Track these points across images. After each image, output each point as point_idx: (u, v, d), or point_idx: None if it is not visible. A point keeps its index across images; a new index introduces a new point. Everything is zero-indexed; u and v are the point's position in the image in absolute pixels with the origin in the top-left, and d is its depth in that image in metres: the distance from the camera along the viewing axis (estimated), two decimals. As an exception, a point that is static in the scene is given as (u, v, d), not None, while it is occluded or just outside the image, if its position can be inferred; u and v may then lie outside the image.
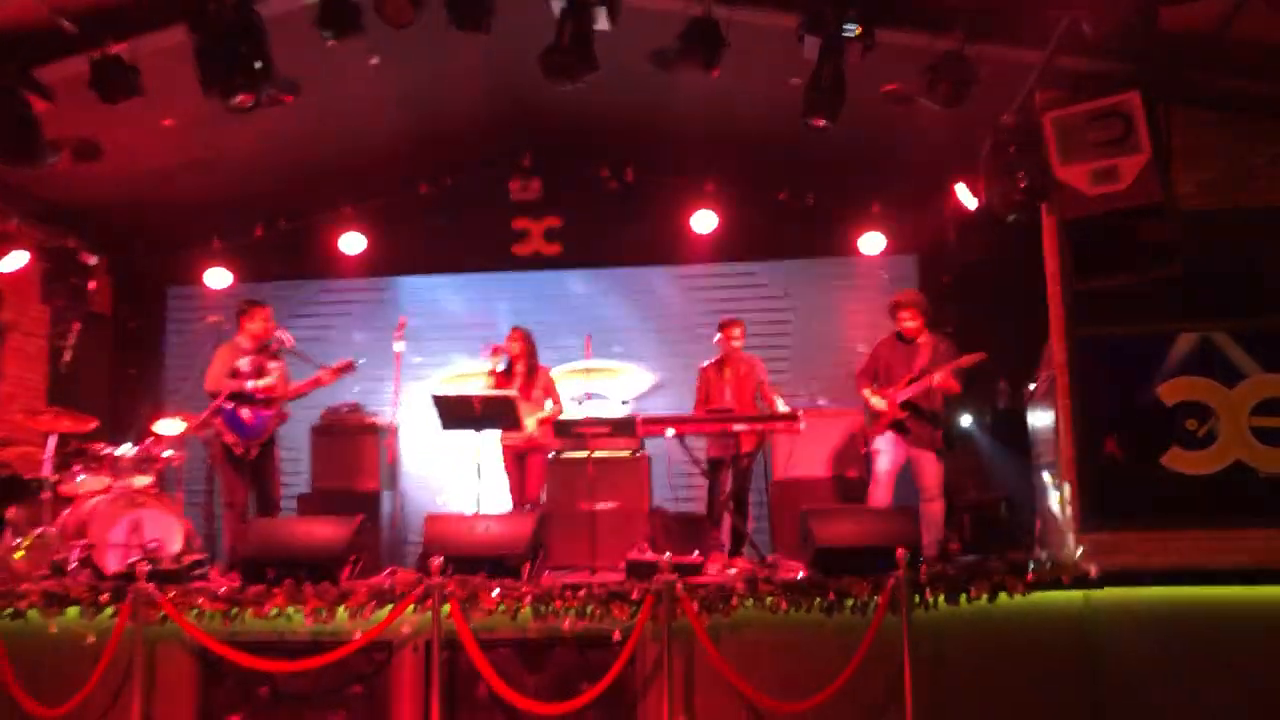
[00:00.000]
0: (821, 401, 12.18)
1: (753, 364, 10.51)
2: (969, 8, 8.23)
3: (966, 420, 11.15)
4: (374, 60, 9.88)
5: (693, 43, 8.19)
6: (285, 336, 10.32)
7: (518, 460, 10.65)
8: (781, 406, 10.13)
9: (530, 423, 10.25)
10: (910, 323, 9.95)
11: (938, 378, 9.59)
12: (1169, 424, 8.58)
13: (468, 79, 11.04)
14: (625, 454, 10.76)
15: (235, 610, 8.16)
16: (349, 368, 10.35)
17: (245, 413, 9.99)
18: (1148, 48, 8.17)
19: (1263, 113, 8.67)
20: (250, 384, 9.96)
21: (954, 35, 8.16)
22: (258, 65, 8.10)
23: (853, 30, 8.07)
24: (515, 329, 10.85)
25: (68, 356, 11.30)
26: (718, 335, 10.52)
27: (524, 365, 10.71)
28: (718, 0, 8.12)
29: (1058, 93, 8.58)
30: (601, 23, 8.16)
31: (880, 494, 9.76)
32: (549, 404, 10.65)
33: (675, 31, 8.22)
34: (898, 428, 9.79)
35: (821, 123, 8.55)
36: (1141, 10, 7.40)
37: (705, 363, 10.81)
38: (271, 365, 10.26)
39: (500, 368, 10.72)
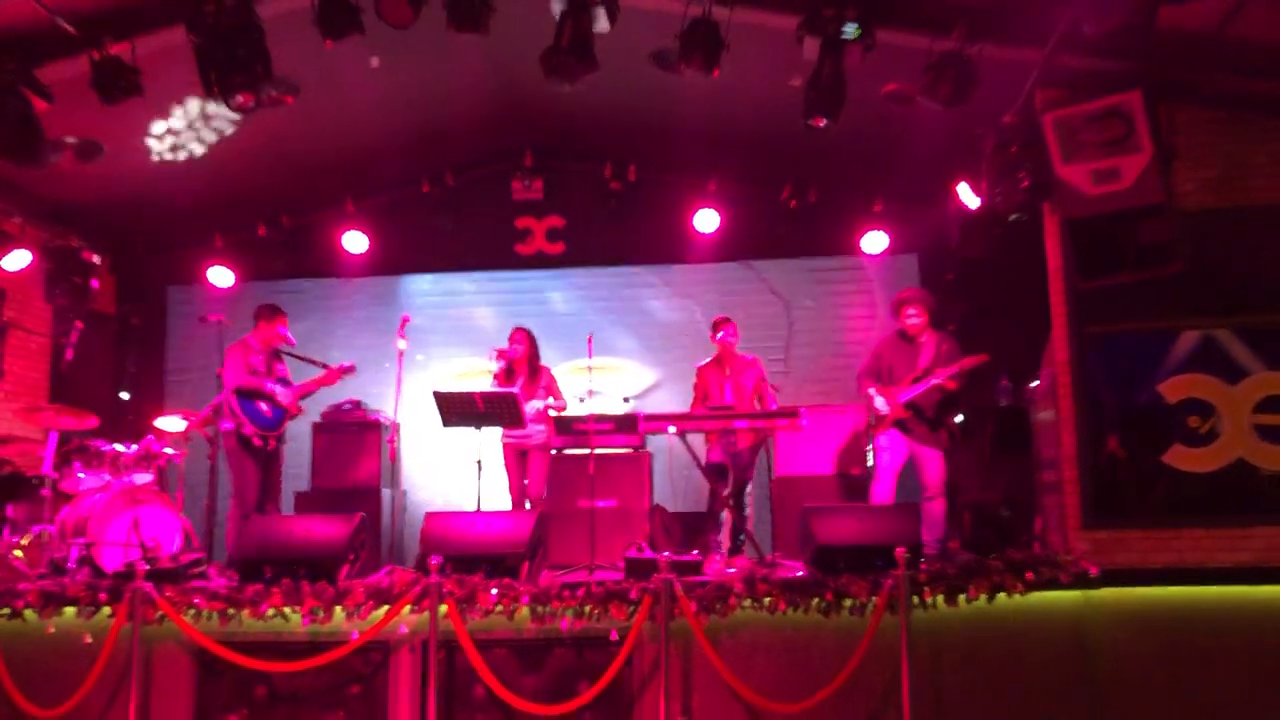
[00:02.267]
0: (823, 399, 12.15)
1: (750, 362, 10.49)
2: (969, 7, 8.22)
3: (968, 418, 11.10)
4: (374, 61, 9.88)
5: (693, 44, 8.18)
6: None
7: (520, 458, 10.64)
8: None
9: (531, 406, 10.25)
10: (915, 319, 9.92)
11: (938, 380, 9.56)
12: (1171, 422, 8.59)
13: (469, 79, 11.05)
14: (626, 451, 10.73)
15: (233, 610, 8.16)
16: (350, 370, 10.54)
17: (263, 406, 10.14)
18: (1148, 47, 8.16)
19: (1263, 112, 8.66)
20: (271, 387, 10.15)
21: (954, 35, 8.14)
22: (257, 66, 8.12)
23: (853, 31, 8.05)
24: (518, 329, 10.83)
25: (69, 355, 11.29)
26: (719, 334, 10.51)
27: (526, 366, 10.69)
28: (718, 1, 8.11)
29: (1059, 92, 8.58)
30: (601, 23, 8.15)
31: (882, 491, 9.72)
32: (550, 400, 10.63)
33: (675, 31, 8.20)
34: (901, 427, 9.77)
35: (822, 122, 8.54)
36: (1141, 10, 7.36)
37: (702, 362, 10.78)
38: (279, 367, 10.46)
39: (502, 365, 10.68)
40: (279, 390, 10.20)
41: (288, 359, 10.58)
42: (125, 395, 12.77)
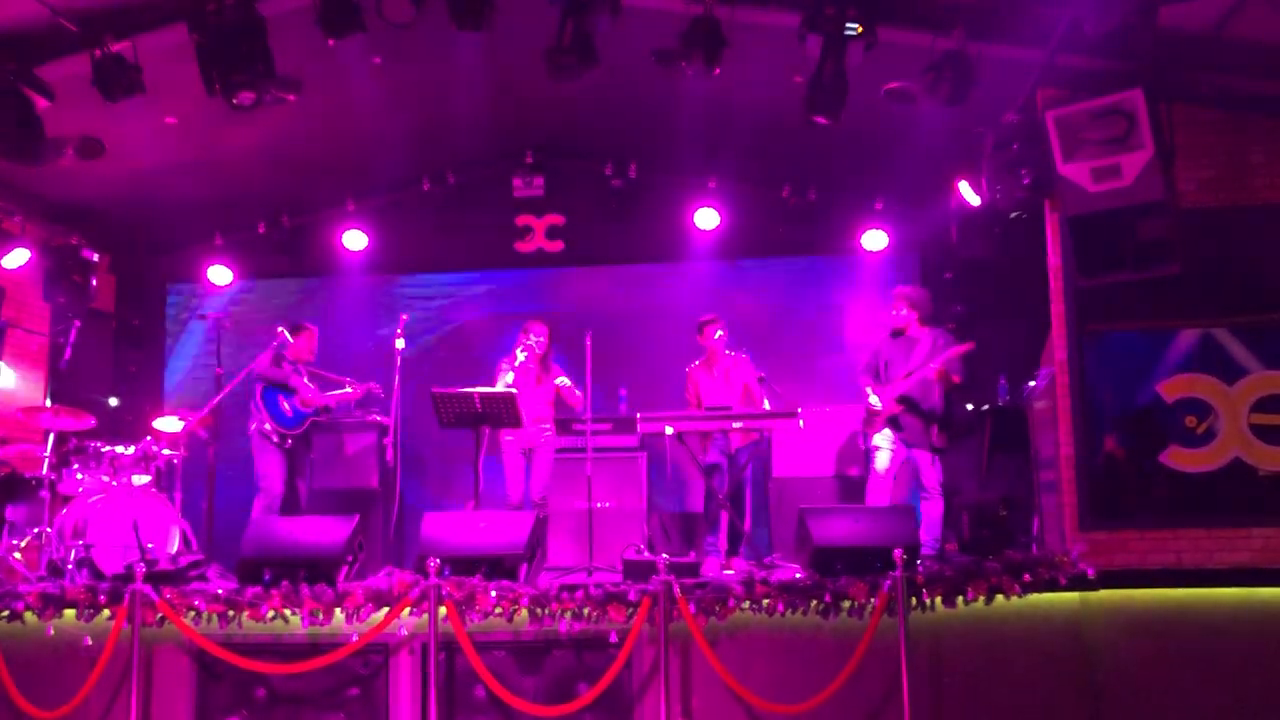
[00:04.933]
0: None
1: (739, 361, 10.47)
2: (970, 6, 8.24)
3: (967, 417, 11.09)
4: (376, 59, 9.88)
5: (694, 42, 8.19)
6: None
7: (524, 458, 10.57)
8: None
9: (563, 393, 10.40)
10: (898, 314, 9.92)
11: (933, 367, 9.51)
12: (1169, 421, 8.61)
13: (469, 77, 10.99)
14: (623, 452, 10.70)
15: (232, 612, 8.16)
16: (376, 390, 11.00)
17: (285, 406, 10.42)
18: (1148, 46, 8.15)
19: (1262, 111, 8.67)
20: (296, 381, 10.57)
21: (956, 34, 8.15)
22: (259, 64, 8.13)
23: (854, 29, 8.05)
24: (537, 322, 10.73)
25: (68, 354, 11.29)
26: (707, 334, 10.50)
27: (538, 362, 10.62)
28: (719, 0, 8.12)
29: (1059, 91, 8.59)
30: (603, 21, 8.16)
31: (878, 492, 9.71)
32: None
33: (676, 30, 8.21)
34: (894, 423, 9.74)
35: (824, 120, 8.55)
36: (1141, 9, 7.37)
37: (692, 365, 10.76)
38: (307, 380, 10.73)
39: (526, 356, 10.58)
40: (304, 387, 10.51)
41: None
42: (114, 401, 12.74)
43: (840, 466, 10.77)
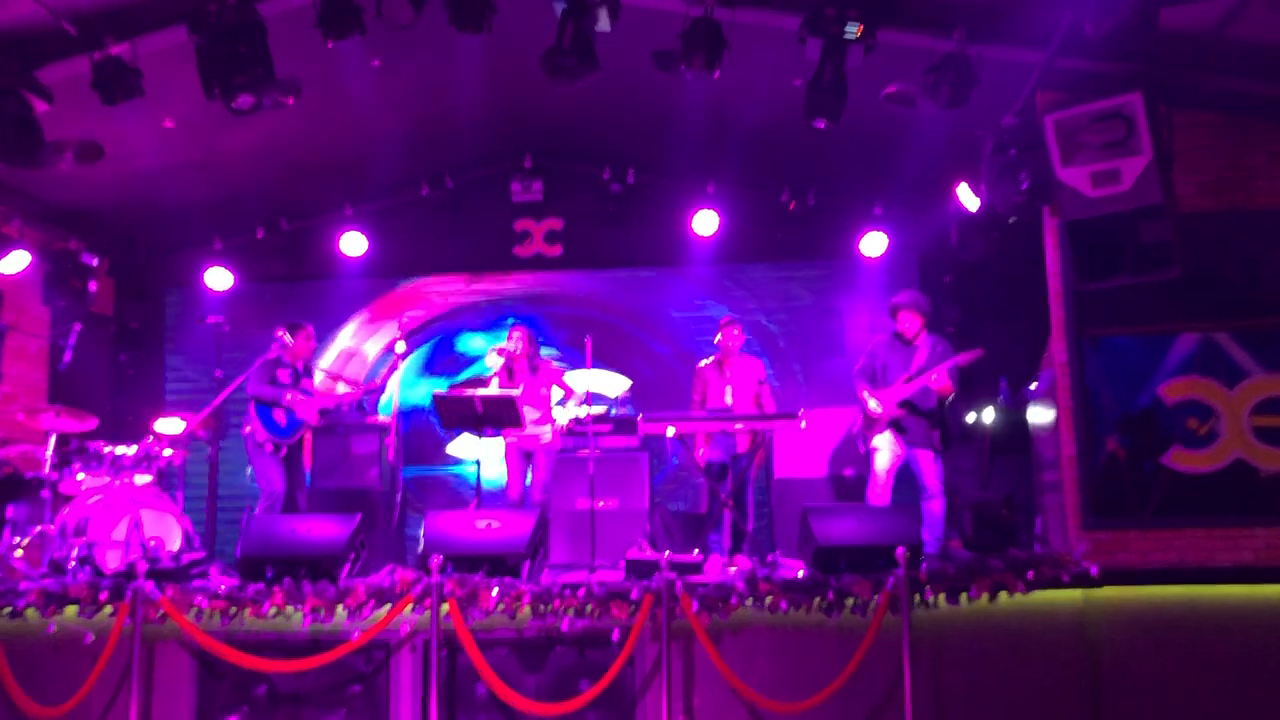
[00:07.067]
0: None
1: (752, 364, 10.47)
2: (970, 8, 8.25)
3: (968, 418, 11.09)
4: (375, 61, 9.89)
5: (694, 44, 8.20)
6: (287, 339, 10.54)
7: (523, 458, 10.59)
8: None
9: (562, 416, 10.25)
10: (909, 324, 9.91)
11: (934, 377, 9.53)
12: (1170, 423, 8.62)
13: (469, 80, 11.01)
14: (625, 452, 10.69)
15: (234, 610, 8.15)
16: (378, 389, 10.98)
17: (279, 416, 10.32)
18: (1148, 49, 8.18)
19: (1262, 114, 8.68)
20: (288, 396, 10.27)
21: (955, 36, 8.17)
22: (259, 67, 8.14)
23: (854, 31, 8.07)
24: (516, 327, 10.77)
25: (68, 357, 11.27)
26: (718, 335, 10.49)
27: (526, 364, 10.63)
28: (719, 1, 8.13)
29: (1059, 94, 8.58)
30: (603, 23, 8.18)
31: (879, 492, 9.70)
32: (571, 404, 10.54)
33: (676, 32, 8.22)
34: (895, 427, 9.73)
35: (823, 124, 8.57)
36: (1142, 11, 7.39)
37: (703, 362, 10.75)
38: (305, 381, 10.64)
39: (503, 362, 10.60)
40: (299, 400, 10.32)
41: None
42: (111, 404, 12.74)
43: (841, 468, 10.75)
